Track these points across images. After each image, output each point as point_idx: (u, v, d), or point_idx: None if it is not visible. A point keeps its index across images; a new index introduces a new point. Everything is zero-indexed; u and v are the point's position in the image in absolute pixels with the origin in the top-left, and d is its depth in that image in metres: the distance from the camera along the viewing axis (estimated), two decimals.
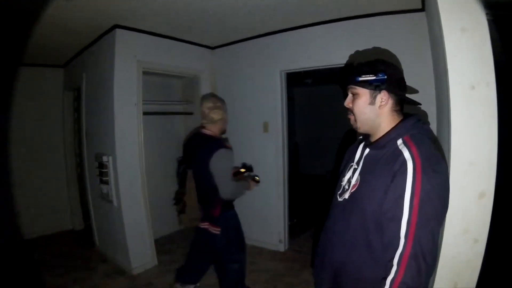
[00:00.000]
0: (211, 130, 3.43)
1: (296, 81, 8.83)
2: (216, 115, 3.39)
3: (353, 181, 1.75)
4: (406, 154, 1.49)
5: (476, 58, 1.94)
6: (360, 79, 1.66)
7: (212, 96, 3.61)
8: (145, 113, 4.99)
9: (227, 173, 3.27)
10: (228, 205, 3.48)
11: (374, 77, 1.64)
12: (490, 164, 1.94)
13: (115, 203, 4.69)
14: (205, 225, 3.39)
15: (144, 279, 4.59)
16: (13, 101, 5.64)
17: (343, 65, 4.44)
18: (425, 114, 3.39)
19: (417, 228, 1.40)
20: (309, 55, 4.82)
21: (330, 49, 4.59)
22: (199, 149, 3.36)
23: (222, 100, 3.51)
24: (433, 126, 3.22)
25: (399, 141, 1.58)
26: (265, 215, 4.23)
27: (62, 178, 6.71)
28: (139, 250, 4.81)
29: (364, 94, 1.68)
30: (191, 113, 6.22)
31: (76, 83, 5.85)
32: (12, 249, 5.40)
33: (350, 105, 1.75)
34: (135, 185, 4.77)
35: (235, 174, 3.57)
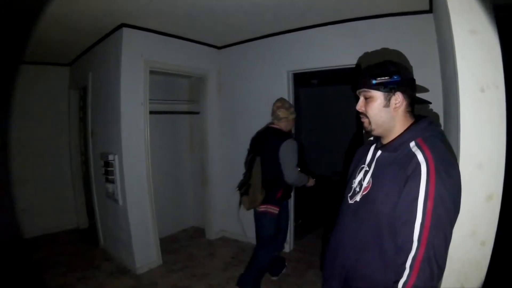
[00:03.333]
0: (278, 125, 4.06)
1: (302, 81, 8.84)
2: (281, 113, 4.01)
3: (365, 184, 1.75)
4: (420, 157, 1.49)
5: (485, 61, 1.94)
6: (376, 82, 1.66)
7: (282, 99, 4.24)
8: (151, 112, 4.98)
9: (293, 160, 3.84)
10: (288, 193, 4.14)
11: (389, 79, 1.64)
12: (498, 167, 1.93)
13: (120, 202, 4.69)
14: (263, 207, 3.95)
15: (148, 278, 4.58)
16: (12, 100, 5.71)
17: (349, 66, 4.47)
18: (436, 116, 3.39)
19: (431, 231, 1.40)
20: (316, 55, 4.81)
21: (337, 50, 4.59)
22: (269, 139, 3.99)
23: (289, 104, 4.16)
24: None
25: (412, 144, 1.59)
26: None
27: (67, 177, 6.73)
28: (144, 250, 4.80)
29: (378, 97, 1.68)
30: (197, 113, 6.20)
31: (82, 82, 5.86)
32: (12, 248, 5.45)
33: (363, 109, 1.74)
34: (141, 184, 4.77)
35: None
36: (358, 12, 4.22)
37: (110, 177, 4.76)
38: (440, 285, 2.07)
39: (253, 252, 4.23)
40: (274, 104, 4.13)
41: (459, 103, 2.00)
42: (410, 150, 1.57)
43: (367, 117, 1.74)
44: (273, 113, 4.10)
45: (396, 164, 1.60)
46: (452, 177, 1.47)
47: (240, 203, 4.09)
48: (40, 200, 6.31)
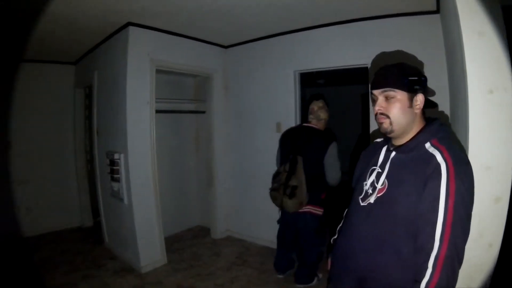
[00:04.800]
0: (317, 125, 4.12)
1: (308, 81, 8.81)
2: (322, 114, 4.11)
3: (379, 186, 1.73)
4: (439, 157, 1.51)
5: (494, 62, 1.93)
6: (407, 81, 1.65)
7: (320, 97, 4.29)
8: (157, 111, 4.99)
9: (338, 163, 3.94)
10: (328, 194, 4.19)
11: (418, 79, 1.66)
12: (506, 169, 1.93)
13: (125, 201, 4.69)
14: (306, 208, 3.96)
15: (153, 277, 4.57)
16: (14, 98, 5.74)
17: (355, 66, 4.55)
18: (445, 117, 3.40)
19: (453, 230, 1.42)
20: (323, 55, 4.80)
21: (343, 50, 4.59)
22: (312, 140, 3.99)
23: (327, 103, 4.21)
24: None
25: (428, 145, 1.60)
26: (276, 216, 4.25)
27: (72, 175, 6.73)
28: (149, 248, 4.79)
29: (403, 96, 1.66)
30: (203, 112, 6.20)
31: (88, 81, 5.86)
32: (13, 247, 5.47)
33: (382, 110, 1.71)
34: (146, 183, 4.76)
35: None
36: (365, 12, 4.22)
37: (115, 175, 4.75)
38: None
39: (300, 250, 4.28)
40: (313, 103, 4.18)
41: (467, 105, 1.99)
42: (427, 150, 1.58)
43: (388, 117, 1.70)
44: (313, 113, 4.14)
45: (414, 165, 1.61)
46: (469, 176, 1.51)
47: (281, 207, 4.01)
48: (45, 198, 6.33)
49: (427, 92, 1.71)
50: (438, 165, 1.49)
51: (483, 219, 1.97)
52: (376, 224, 1.70)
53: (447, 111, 3.38)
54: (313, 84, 9.82)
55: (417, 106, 1.68)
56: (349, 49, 4.53)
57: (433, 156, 1.53)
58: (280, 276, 4.50)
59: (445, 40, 3.44)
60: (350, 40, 4.51)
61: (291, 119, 5.05)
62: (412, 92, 1.66)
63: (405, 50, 3.90)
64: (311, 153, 3.91)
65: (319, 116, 4.08)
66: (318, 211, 4.02)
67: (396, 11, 4.07)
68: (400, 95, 1.66)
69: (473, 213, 1.75)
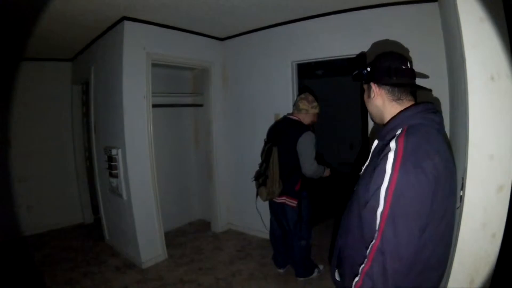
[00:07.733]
0: (297, 116, 4.11)
1: (307, 72, 8.77)
2: (301, 104, 4.08)
3: (361, 172, 1.79)
4: (392, 145, 1.46)
5: (494, 49, 1.89)
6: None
7: (307, 93, 4.21)
8: (154, 106, 4.96)
9: (311, 152, 3.87)
10: (306, 184, 4.11)
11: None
12: (509, 157, 1.89)
13: (124, 196, 4.67)
14: (282, 199, 4.06)
15: (154, 272, 4.57)
16: (14, 97, 5.72)
17: (354, 57, 4.43)
18: (437, 101, 3.39)
19: (387, 223, 1.37)
20: (320, 46, 4.76)
21: (341, 40, 4.54)
22: (287, 130, 4.02)
23: (313, 98, 4.14)
24: (446, 118, 3.12)
25: (398, 132, 1.54)
26: None
27: (72, 172, 6.73)
28: (149, 244, 4.80)
29: (365, 88, 1.80)
30: (201, 105, 6.19)
31: (84, 77, 5.84)
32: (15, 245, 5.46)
33: None
34: (145, 178, 4.75)
35: None
36: (362, 1, 4.17)
37: (113, 171, 4.73)
38: (447, 277, 2.04)
39: (288, 246, 4.30)
40: (298, 95, 4.36)
41: (467, 92, 1.96)
42: (392, 138, 1.52)
43: None
44: (295, 104, 4.21)
45: (377, 153, 1.60)
46: (422, 170, 1.37)
47: (257, 194, 4.18)
48: (45, 196, 6.32)
49: (388, 78, 1.67)
50: (387, 153, 1.44)
51: (486, 209, 1.94)
52: (351, 207, 1.74)
53: (446, 100, 3.34)
54: (311, 76, 9.77)
55: (373, 95, 1.73)
56: (346, 39, 4.49)
57: (389, 144, 1.48)
58: (281, 271, 4.50)
59: (443, 28, 3.40)
60: (348, 29, 4.47)
61: (288, 111, 4.94)
62: (366, 83, 1.78)
63: (403, 39, 3.87)
64: (285, 144, 3.97)
65: (298, 106, 4.10)
66: (293, 203, 4.02)
67: (395, 0, 4.02)
68: (364, 87, 1.81)
69: (476, 203, 1.72)
